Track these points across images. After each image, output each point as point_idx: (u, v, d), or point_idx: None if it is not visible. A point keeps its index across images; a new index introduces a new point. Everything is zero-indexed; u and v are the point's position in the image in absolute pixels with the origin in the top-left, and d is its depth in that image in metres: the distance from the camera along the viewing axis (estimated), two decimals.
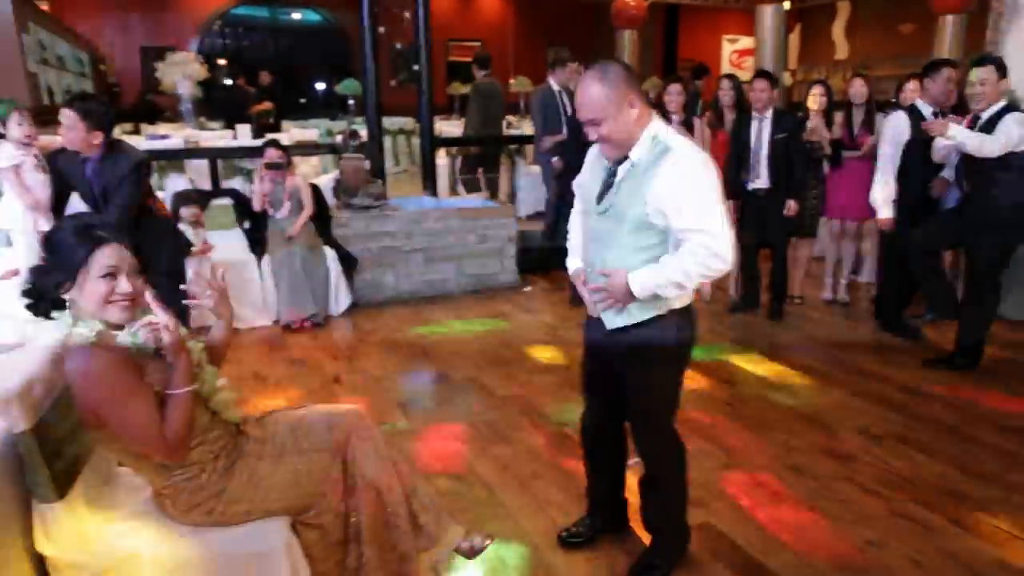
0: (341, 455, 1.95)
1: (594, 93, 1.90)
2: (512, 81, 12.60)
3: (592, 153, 2.17)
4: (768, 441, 3.22)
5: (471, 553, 2.16)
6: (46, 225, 3.18)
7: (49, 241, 1.71)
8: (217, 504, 1.79)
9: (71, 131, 3.05)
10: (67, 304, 1.68)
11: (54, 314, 1.69)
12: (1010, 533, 2.52)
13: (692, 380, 3.78)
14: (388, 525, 1.97)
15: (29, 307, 1.70)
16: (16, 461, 1.62)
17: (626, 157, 1.99)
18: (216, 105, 8.86)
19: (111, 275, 1.67)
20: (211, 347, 1.99)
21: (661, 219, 1.94)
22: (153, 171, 4.58)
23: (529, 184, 7.99)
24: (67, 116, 3.04)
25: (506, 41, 14.92)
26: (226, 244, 5.05)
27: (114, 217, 3.14)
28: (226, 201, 5.49)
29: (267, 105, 9.03)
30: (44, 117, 3.74)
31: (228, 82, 10.23)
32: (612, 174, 2.04)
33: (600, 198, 2.06)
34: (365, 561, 1.94)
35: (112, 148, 3.17)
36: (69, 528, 1.68)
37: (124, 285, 1.69)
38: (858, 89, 4.95)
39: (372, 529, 1.95)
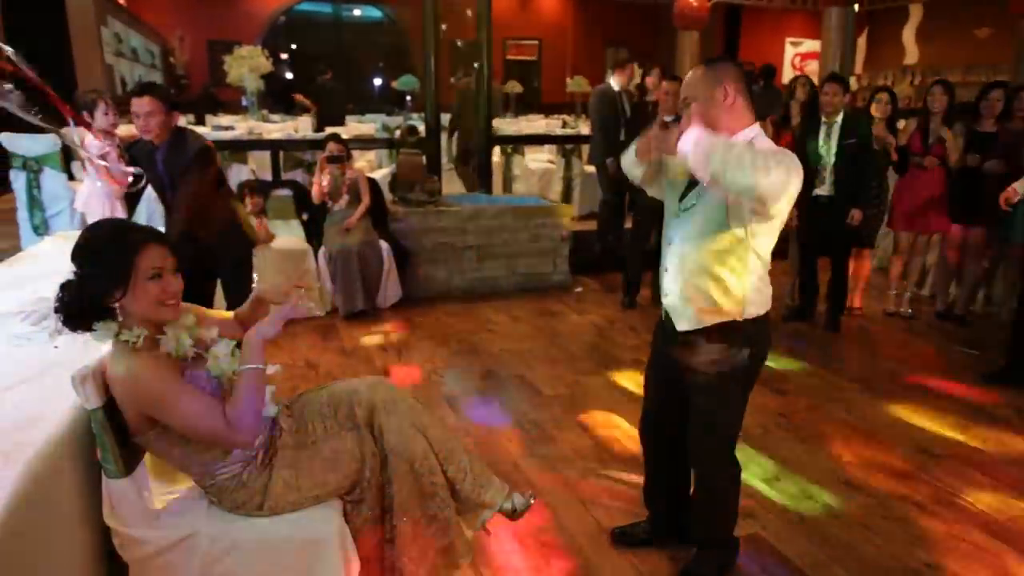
0: (369, 429, 1.94)
1: (695, 72, 2.03)
2: (569, 81, 12.59)
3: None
4: (821, 454, 3.15)
5: (513, 514, 2.11)
6: (122, 212, 3.29)
7: (87, 251, 1.66)
8: (264, 499, 1.82)
9: (154, 116, 3.11)
10: (113, 312, 1.67)
11: (95, 325, 1.66)
12: None
13: None
14: (424, 495, 1.94)
15: (67, 322, 1.66)
16: (88, 437, 1.69)
17: None
18: (326, 100, 9.14)
19: (158, 275, 1.67)
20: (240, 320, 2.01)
21: (739, 217, 1.92)
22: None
23: (584, 184, 7.96)
24: (148, 103, 3.10)
25: (565, 41, 14.90)
26: (284, 234, 5.18)
27: (181, 206, 3.24)
28: (286, 192, 5.63)
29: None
30: (120, 108, 3.88)
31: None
32: None
33: (683, 197, 2.08)
34: (398, 534, 1.92)
35: (178, 135, 3.26)
36: (133, 504, 1.75)
37: (172, 283, 1.70)
38: (938, 97, 4.75)
39: (406, 501, 1.92)
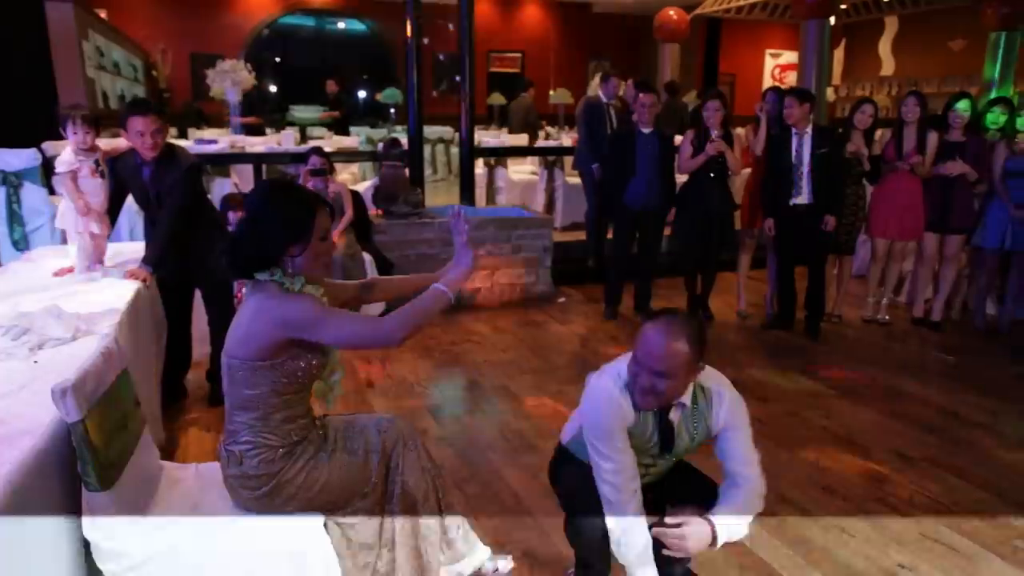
0: (386, 460, 2.00)
1: (678, 351, 1.79)
2: (552, 93, 12.68)
3: (613, 401, 1.91)
4: (800, 460, 3.19)
5: (494, 574, 2.22)
6: (97, 228, 3.28)
7: (273, 206, 1.80)
8: (266, 485, 1.85)
9: (160, 133, 3.14)
10: (281, 263, 1.80)
11: (258, 274, 1.80)
12: None
13: None
14: (418, 534, 2.02)
15: (234, 270, 1.81)
16: (68, 450, 1.70)
17: (670, 406, 1.94)
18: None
19: (325, 237, 1.84)
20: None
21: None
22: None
23: (566, 195, 8.02)
24: (154, 121, 3.10)
25: (547, 53, 15.01)
26: None
27: (166, 221, 3.24)
28: None
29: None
30: (100, 122, 3.87)
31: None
32: (663, 421, 1.96)
33: (664, 447, 1.99)
34: (397, 567, 1.99)
35: (167, 152, 3.27)
36: (114, 517, 1.75)
37: (331, 244, 1.87)
38: (911, 108, 4.87)
39: (404, 536, 2.00)
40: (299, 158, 5.75)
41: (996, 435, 3.46)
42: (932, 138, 4.80)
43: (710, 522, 1.86)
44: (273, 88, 14.30)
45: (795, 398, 3.88)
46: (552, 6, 15.02)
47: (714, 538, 1.86)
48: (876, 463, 3.17)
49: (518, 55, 15.15)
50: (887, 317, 5.25)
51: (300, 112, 11.27)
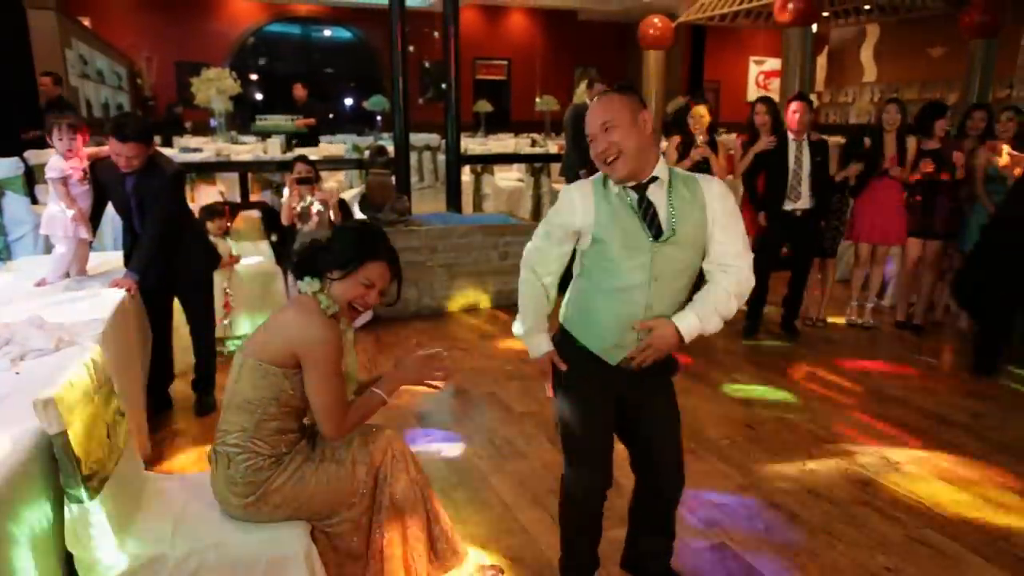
0: (375, 471, 2.00)
1: (613, 99, 1.93)
2: (538, 100, 12.75)
3: (572, 188, 2.02)
4: (785, 464, 3.21)
5: None
6: (85, 234, 3.27)
7: (346, 232, 2.01)
8: (255, 491, 1.86)
9: (137, 158, 3.13)
10: (323, 278, 1.94)
11: (306, 279, 1.95)
12: None
13: (710, 401, 3.80)
14: (405, 544, 2.03)
15: (294, 264, 1.99)
16: (51, 462, 1.68)
17: (644, 184, 1.92)
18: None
19: (370, 286, 1.94)
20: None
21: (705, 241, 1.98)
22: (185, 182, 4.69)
23: (553, 202, 8.04)
24: (131, 148, 3.08)
25: (533, 60, 15.08)
26: (254, 256, 5.15)
27: (153, 229, 3.23)
28: (255, 213, 5.62)
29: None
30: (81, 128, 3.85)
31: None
32: (644, 200, 1.93)
33: (654, 227, 1.92)
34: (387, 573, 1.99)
35: (151, 161, 3.26)
36: (97, 529, 1.73)
37: (373, 298, 1.96)
38: (892, 115, 4.95)
39: (391, 547, 2.00)
40: (285, 166, 5.74)
41: (978, 437, 3.49)
42: (911, 144, 4.88)
43: (673, 324, 1.94)
44: (259, 96, 14.27)
45: (781, 403, 3.90)
46: (538, 14, 15.10)
47: (680, 338, 1.95)
48: (861, 466, 3.19)
49: (504, 62, 15.22)
50: (871, 321, 5.29)
51: (267, 121, 10.34)
